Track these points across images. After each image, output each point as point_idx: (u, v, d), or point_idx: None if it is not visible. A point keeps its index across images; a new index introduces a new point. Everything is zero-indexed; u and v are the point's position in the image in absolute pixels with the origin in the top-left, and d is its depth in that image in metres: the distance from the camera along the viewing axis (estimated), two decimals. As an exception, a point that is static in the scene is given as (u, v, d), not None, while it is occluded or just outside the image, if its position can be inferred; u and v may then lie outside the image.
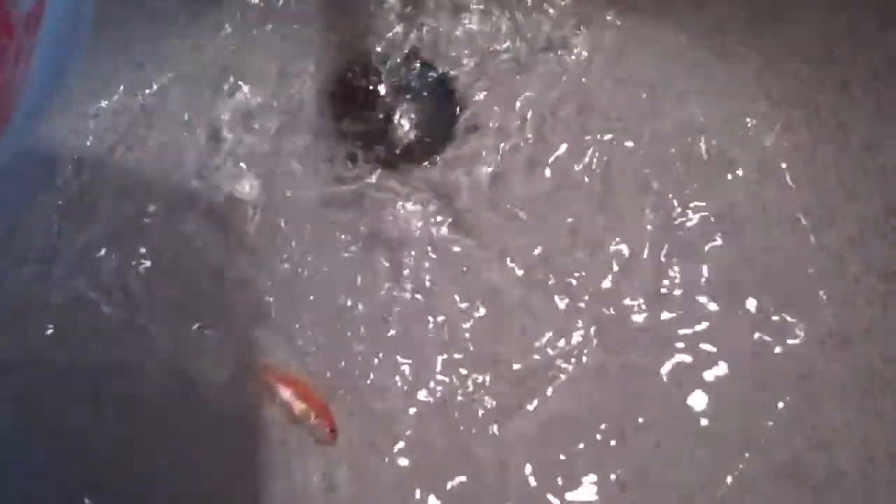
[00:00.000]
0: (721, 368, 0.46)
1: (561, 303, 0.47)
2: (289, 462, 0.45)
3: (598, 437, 0.45)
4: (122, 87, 0.50)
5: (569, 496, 0.44)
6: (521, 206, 0.49)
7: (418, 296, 0.48)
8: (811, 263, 0.47)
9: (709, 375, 0.46)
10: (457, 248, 0.48)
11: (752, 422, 0.45)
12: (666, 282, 0.47)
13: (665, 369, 0.46)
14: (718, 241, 0.48)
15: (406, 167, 0.50)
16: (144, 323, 0.46)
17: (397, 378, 0.46)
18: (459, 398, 0.46)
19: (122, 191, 0.49)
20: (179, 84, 0.51)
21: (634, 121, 0.50)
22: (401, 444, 0.45)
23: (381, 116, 0.51)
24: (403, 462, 0.45)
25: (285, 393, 0.46)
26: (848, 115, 0.46)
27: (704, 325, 0.47)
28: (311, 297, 0.47)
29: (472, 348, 0.47)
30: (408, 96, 0.51)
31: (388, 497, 0.45)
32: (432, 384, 0.46)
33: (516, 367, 0.46)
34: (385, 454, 0.45)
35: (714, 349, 0.46)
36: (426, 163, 0.50)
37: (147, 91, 0.50)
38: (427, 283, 0.48)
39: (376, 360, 0.47)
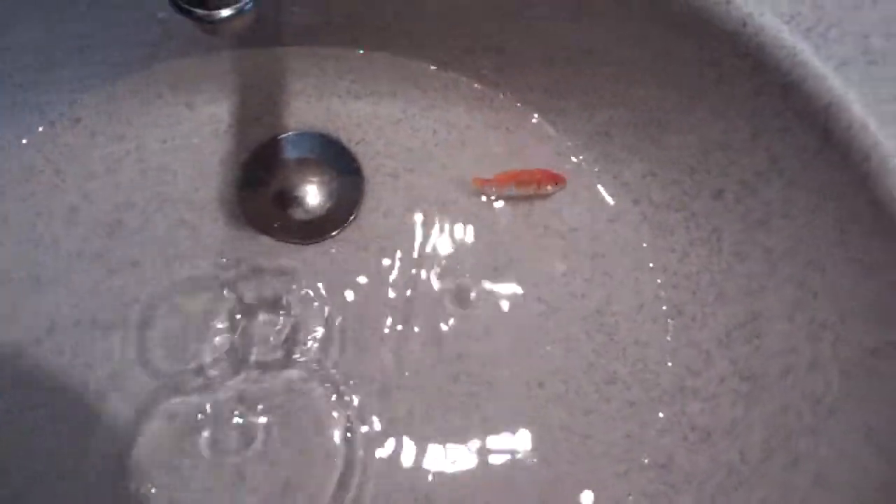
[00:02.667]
0: (589, 453, 0.48)
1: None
2: None
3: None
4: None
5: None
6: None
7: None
8: (681, 359, 0.49)
9: (575, 461, 0.48)
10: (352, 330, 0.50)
11: (614, 510, 0.47)
12: (544, 369, 0.49)
13: (538, 454, 0.48)
14: (595, 334, 0.50)
15: (306, 242, 0.52)
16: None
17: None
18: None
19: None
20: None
21: (535, 216, 0.53)
22: None
23: (285, 191, 0.53)
24: None
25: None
26: (721, 222, 0.48)
27: (580, 411, 0.49)
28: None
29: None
30: (314, 173, 0.53)
31: None
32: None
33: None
34: None
35: (586, 434, 0.48)
36: (326, 238, 0.52)
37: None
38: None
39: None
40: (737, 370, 0.47)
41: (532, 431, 0.48)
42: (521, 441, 0.48)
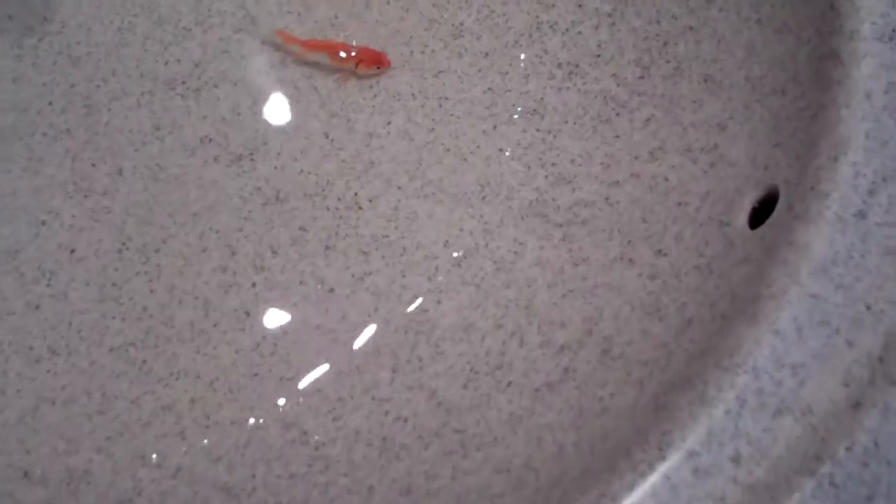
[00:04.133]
0: (450, 114, 0.42)
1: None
2: None
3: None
4: None
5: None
6: None
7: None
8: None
9: (442, 130, 0.42)
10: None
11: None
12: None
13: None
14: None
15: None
16: None
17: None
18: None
19: None
20: None
21: None
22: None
23: None
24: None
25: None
26: None
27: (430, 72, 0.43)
28: None
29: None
30: None
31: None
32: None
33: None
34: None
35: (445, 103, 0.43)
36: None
37: None
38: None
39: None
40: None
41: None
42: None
